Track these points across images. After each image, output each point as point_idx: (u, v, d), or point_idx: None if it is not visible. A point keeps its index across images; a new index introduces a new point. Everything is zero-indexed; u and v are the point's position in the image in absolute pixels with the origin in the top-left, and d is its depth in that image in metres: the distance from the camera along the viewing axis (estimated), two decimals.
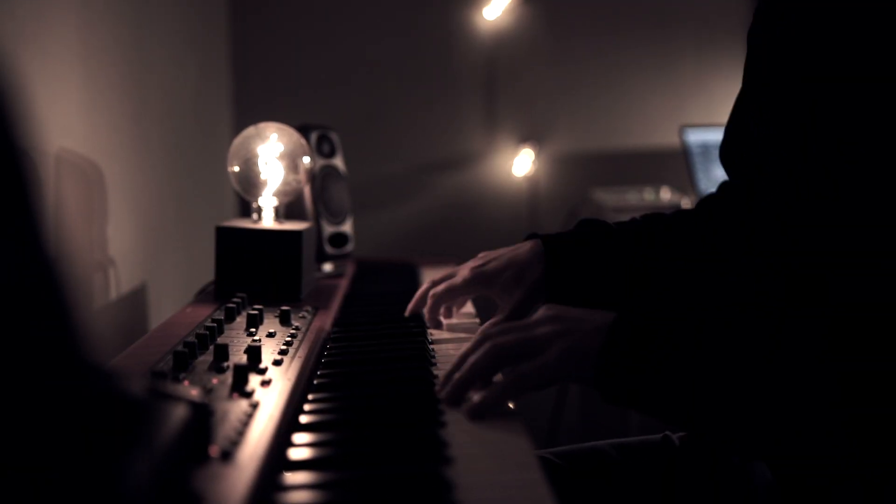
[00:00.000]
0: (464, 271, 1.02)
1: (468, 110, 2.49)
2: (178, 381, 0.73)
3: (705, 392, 0.66)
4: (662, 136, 2.52)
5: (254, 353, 0.79)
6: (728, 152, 0.94)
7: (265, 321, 0.97)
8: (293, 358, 0.82)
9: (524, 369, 0.70)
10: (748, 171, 0.87)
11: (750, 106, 0.87)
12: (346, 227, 1.43)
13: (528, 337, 0.71)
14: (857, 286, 0.68)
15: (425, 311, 1.05)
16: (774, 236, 0.79)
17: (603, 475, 0.94)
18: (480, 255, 1.04)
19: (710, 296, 0.96)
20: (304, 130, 1.34)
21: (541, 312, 0.74)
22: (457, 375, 0.73)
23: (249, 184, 1.19)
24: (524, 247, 1.00)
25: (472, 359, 0.73)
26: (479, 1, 2.43)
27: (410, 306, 1.07)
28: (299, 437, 0.66)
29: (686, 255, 0.99)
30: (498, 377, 0.74)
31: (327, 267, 1.40)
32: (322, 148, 1.42)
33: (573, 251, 0.98)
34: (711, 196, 1.03)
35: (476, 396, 0.72)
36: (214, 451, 0.56)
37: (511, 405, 0.73)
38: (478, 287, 1.01)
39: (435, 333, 1.02)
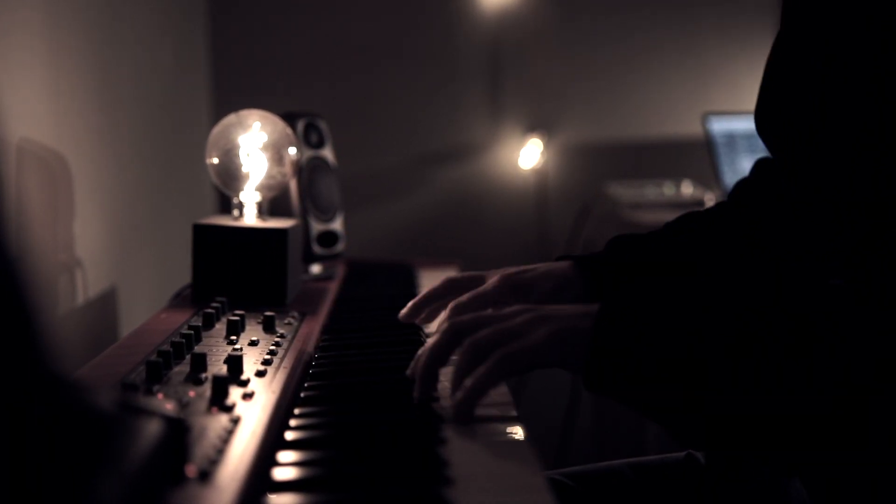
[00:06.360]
0: (493, 278, 0.97)
1: (470, 96, 2.49)
2: (151, 393, 0.73)
3: (718, 380, 0.65)
4: (684, 125, 2.52)
5: (235, 363, 0.79)
6: (765, 115, 0.86)
7: (247, 328, 0.97)
8: (278, 368, 0.83)
9: (512, 348, 0.70)
10: (791, 138, 0.81)
11: (794, 57, 0.81)
12: (337, 225, 1.43)
13: (508, 327, 0.72)
14: None
15: (441, 317, 0.99)
16: (822, 217, 0.77)
17: (620, 498, 0.94)
18: (504, 269, 0.99)
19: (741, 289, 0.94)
20: (289, 118, 1.34)
21: (514, 307, 0.75)
22: (459, 395, 0.73)
23: (230, 177, 1.19)
24: (560, 263, 0.99)
25: (457, 366, 0.74)
26: None
27: (408, 309, 1.01)
28: (285, 456, 0.66)
29: (722, 256, 0.97)
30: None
31: (315, 268, 1.40)
32: (310, 138, 1.42)
33: (610, 269, 0.98)
34: (746, 180, 1.01)
35: (467, 382, 0.72)
36: (191, 470, 0.56)
37: (520, 429, 0.73)
38: (511, 297, 0.94)
39: None
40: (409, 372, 0.82)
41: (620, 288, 0.96)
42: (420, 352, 0.79)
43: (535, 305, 0.74)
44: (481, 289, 0.95)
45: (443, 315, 0.97)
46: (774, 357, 0.64)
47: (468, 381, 0.72)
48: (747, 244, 0.96)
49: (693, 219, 1.02)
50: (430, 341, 0.78)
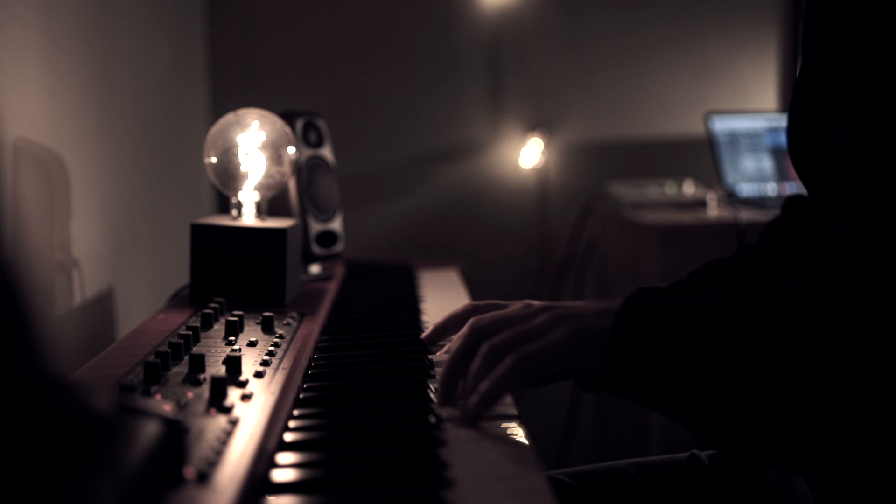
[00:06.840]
0: (517, 305, 0.91)
1: (471, 95, 2.49)
2: (149, 394, 0.73)
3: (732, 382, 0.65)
4: (686, 124, 2.52)
5: (233, 363, 0.80)
6: (795, 147, 0.85)
7: (246, 329, 0.97)
8: (277, 369, 0.83)
9: (530, 349, 0.71)
10: (819, 171, 0.81)
11: (821, 88, 0.81)
12: (336, 225, 1.43)
13: (526, 328, 0.73)
14: None
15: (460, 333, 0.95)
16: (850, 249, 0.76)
17: (623, 498, 0.94)
18: (528, 300, 0.95)
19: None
20: (288, 117, 1.34)
21: (535, 306, 0.76)
22: (474, 399, 0.73)
23: (228, 177, 1.19)
24: None
25: (474, 370, 0.74)
26: None
27: (430, 333, 0.97)
28: (284, 458, 0.67)
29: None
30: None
31: (314, 269, 1.40)
32: (308, 137, 1.42)
33: None
34: (776, 220, 0.98)
35: (482, 385, 0.72)
36: (189, 472, 0.56)
37: (521, 430, 0.73)
38: None
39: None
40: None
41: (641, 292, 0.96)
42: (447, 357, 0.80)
43: (554, 303, 0.75)
44: (503, 311, 0.89)
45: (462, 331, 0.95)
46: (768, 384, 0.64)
47: (483, 385, 0.72)
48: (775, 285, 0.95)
49: (718, 267, 0.99)
50: (451, 347, 0.78)
